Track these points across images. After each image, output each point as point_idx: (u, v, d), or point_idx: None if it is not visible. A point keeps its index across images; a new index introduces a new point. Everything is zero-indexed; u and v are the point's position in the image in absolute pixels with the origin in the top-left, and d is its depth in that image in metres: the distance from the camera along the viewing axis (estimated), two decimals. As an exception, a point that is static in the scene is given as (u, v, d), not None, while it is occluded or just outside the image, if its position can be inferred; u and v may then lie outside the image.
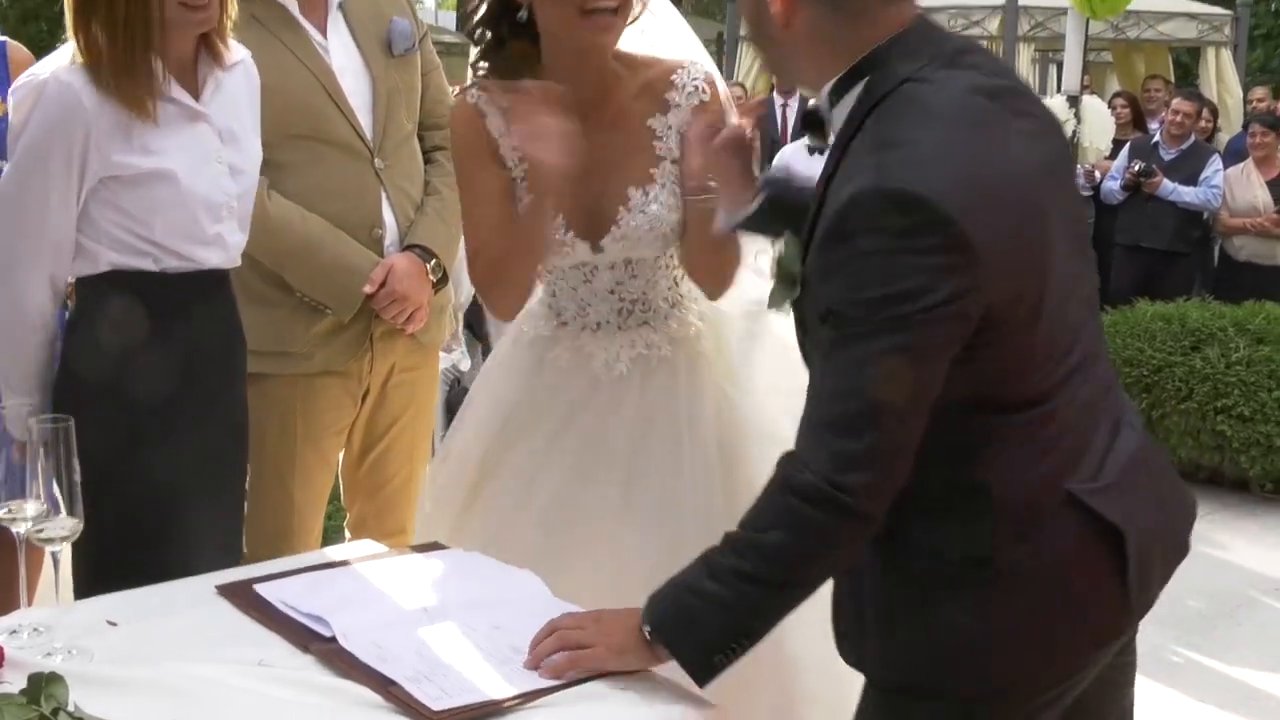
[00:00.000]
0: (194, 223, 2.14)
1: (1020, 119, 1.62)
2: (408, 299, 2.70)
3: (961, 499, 1.60)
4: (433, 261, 2.75)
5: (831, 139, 1.68)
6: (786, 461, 1.56)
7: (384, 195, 2.74)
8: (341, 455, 2.92)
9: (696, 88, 2.25)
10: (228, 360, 2.31)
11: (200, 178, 2.14)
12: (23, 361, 2.16)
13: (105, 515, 1.92)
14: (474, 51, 2.28)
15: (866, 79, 1.60)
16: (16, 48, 3.17)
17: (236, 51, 2.23)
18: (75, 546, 1.93)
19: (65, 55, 2.08)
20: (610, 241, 2.24)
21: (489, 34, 2.21)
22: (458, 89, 2.39)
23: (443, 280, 2.82)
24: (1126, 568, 1.60)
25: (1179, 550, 1.76)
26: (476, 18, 2.21)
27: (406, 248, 2.76)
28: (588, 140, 2.14)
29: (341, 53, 2.74)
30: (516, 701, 1.55)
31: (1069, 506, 1.58)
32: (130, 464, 2.11)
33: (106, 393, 2.11)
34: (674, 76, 2.25)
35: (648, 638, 1.61)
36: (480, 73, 2.25)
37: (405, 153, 2.81)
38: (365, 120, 2.73)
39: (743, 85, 9.98)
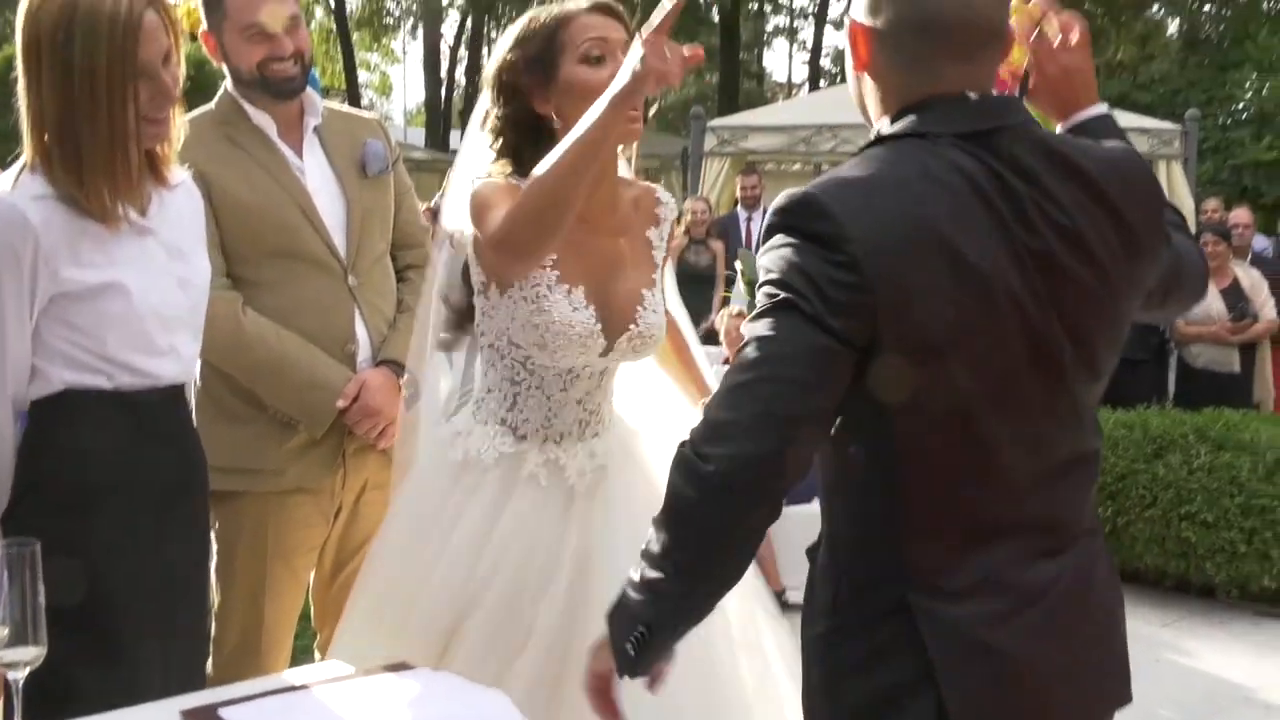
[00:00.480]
0: (146, 335, 2.11)
1: (1013, 208, 1.60)
2: (380, 414, 2.71)
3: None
4: (405, 377, 2.75)
5: None
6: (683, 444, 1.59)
7: (357, 311, 2.77)
8: (313, 574, 2.89)
9: (671, 208, 2.49)
10: (186, 477, 2.25)
11: (151, 290, 2.11)
12: None
13: (58, 635, 1.87)
14: (490, 148, 2.34)
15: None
16: None
17: (178, 173, 2.24)
18: None
19: (13, 172, 2.08)
20: (624, 341, 2.32)
21: (508, 137, 2.30)
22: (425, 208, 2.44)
23: (414, 396, 2.81)
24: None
25: (1107, 699, 1.75)
26: (499, 118, 2.30)
27: (379, 363, 2.78)
28: (606, 246, 2.33)
29: (317, 173, 2.79)
30: None
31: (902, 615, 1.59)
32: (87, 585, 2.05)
33: (62, 513, 2.05)
34: (658, 195, 2.46)
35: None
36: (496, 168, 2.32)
37: (378, 271, 2.85)
38: (339, 239, 2.76)
39: (706, 200, 10.08)
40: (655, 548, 1.57)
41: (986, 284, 1.56)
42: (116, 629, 2.08)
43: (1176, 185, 10.83)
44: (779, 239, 1.57)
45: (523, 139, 2.28)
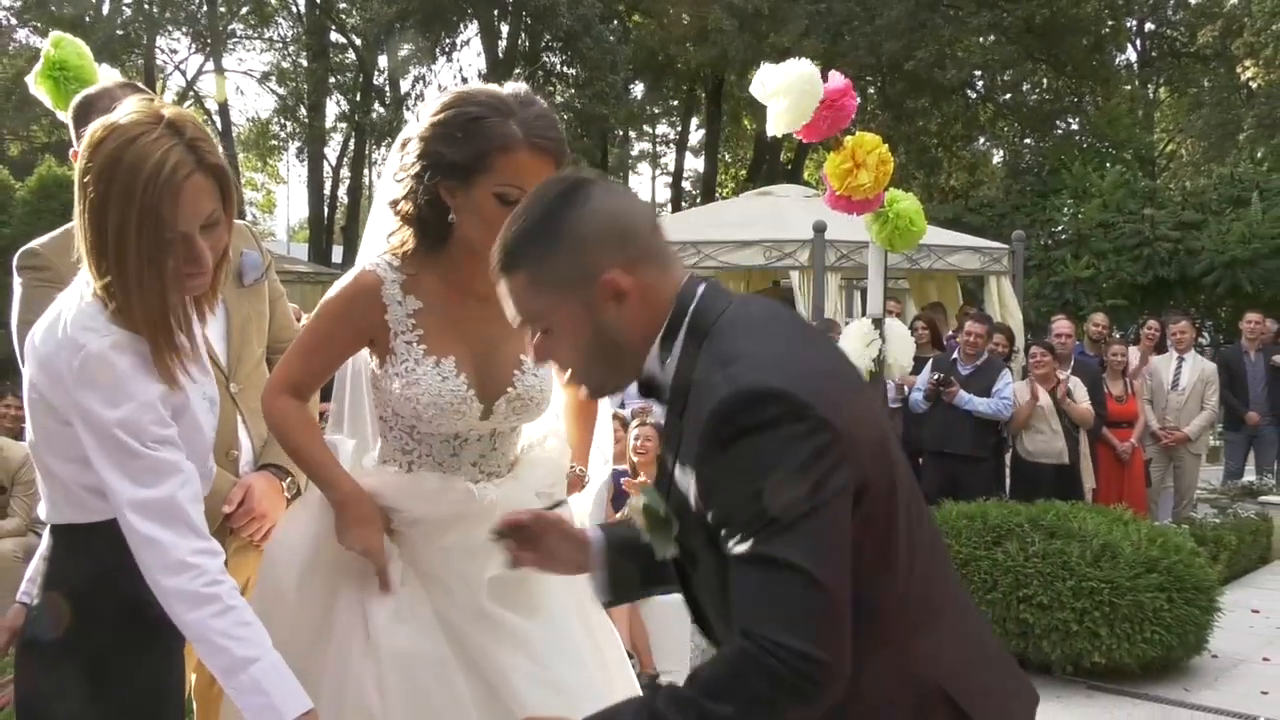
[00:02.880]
0: (206, 463, 2.05)
1: (812, 328, 1.72)
2: (265, 516, 2.63)
3: None
4: (288, 479, 2.71)
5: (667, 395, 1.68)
6: (747, 643, 1.47)
7: (239, 418, 2.70)
8: (194, 677, 2.73)
9: None
10: None
11: (201, 412, 2.04)
12: None
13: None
14: (389, 233, 2.34)
15: (687, 322, 1.64)
16: None
17: None
18: None
19: (94, 310, 1.91)
20: (503, 403, 2.31)
21: (412, 220, 2.27)
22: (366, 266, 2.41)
23: (296, 496, 2.75)
24: None
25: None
26: (407, 206, 2.26)
27: (261, 467, 2.71)
28: (487, 320, 2.25)
29: None
30: None
31: (928, 692, 1.59)
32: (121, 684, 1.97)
33: (101, 632, 1.95)
34: None
35: None
36: (392, 244, 2.32)
37: (257, 376, 2.77)
38: (220, 347, 2.69)
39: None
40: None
41: (864, 387, 1.69)
42: None
43: (1006, 298, 11.18)
44: (746, 443, 1.49)
45: (426, 219, 2.25)
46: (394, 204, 2.29)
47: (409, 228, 2.28)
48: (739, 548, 1.50)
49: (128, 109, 1.89)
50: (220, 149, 1.95)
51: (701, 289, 1.66)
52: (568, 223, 1.63)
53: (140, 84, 2.24)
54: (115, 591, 1.94)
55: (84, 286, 1.93)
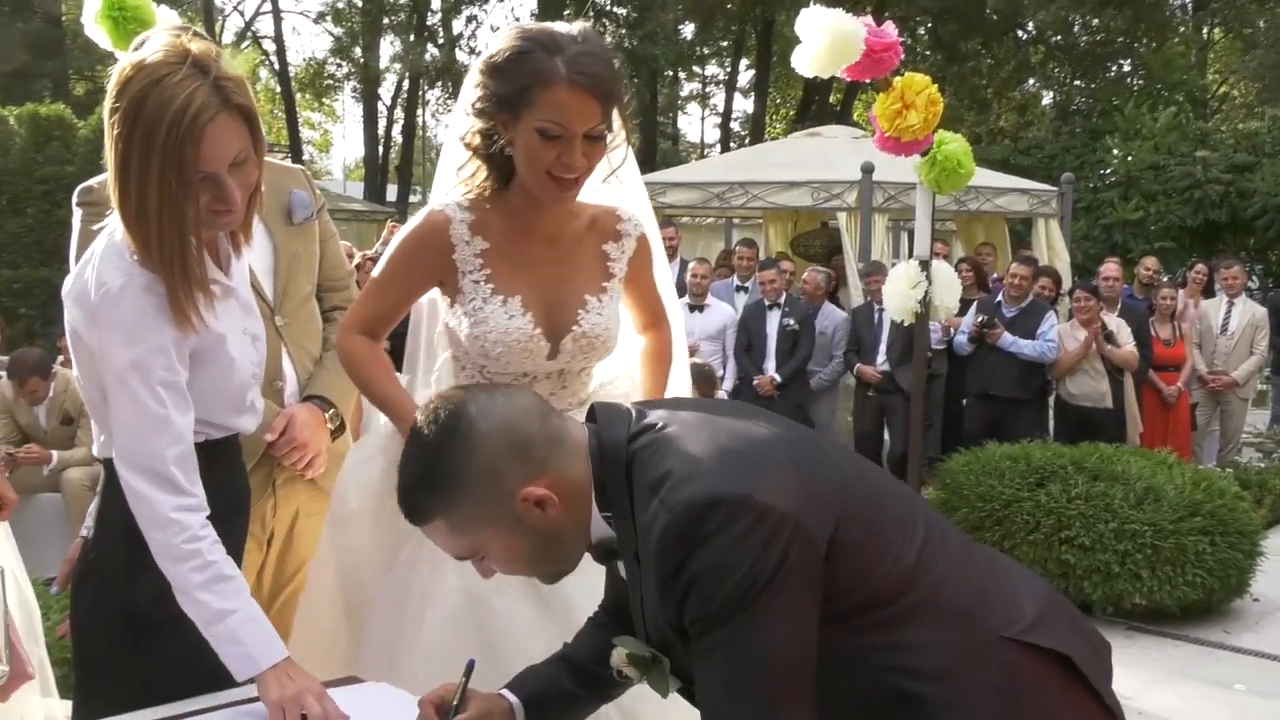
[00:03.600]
0: (242, 398, 2.05)
1: (731, 409, 1.68)
2: (307, 446, 2.66)
3: (905, 708, 1.53)
4: (331, 411, 2.74)
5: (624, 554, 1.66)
6: None
7: (284, 350, 2.72)
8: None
9: (637, 228, 2.45)
10: (243, 497, 2.21)
11: (237, 349, 2.03)
12: None
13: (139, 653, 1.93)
14: (459, 165, 2.35)
15: (606, 477, 1.61)
16: None
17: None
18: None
19: (120, 250, 1.90)
20: (569, 341, 2.32)
21: (477, 152, 2.28)
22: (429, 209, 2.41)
23: (340, 428, 2.79)
24: (1089, 683, 1.58)
25: (1109, 673, 1.71)
26: (472, 139, 2.27)
27: (306, 398, 2.74)
28: (552, 260, 2.33)
29: None
30: None
31: (1007, 647, 1.54)
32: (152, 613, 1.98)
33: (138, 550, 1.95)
34: (620, 214, 2.43)
35: None
36: (460, 184, 2.33)
37: (304, 312, 2.81)
38: (267, 282, 2.72)
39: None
40: None
41: (784, 446, 1.59)
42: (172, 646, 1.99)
43: (1054, 241, 11.07)
44: (697, 559, 1.47)
45: (488, 152, 2.26)
46: (461, 137, 2.31)
47: (475, 162, 2.30)
48: (703, 652, 1.50)
49: (155, 46, 1.85)
50: (249, 88, 1.92)
51: (602, 433, 1.63)
52: (460, 463, 1.58)
53: (198, 28, 2.19)
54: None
55: (116, 225, 1.91)
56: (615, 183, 2.41)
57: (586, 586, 2.20)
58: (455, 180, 2.36)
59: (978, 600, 1.57)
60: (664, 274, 2.61)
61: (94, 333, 1.88)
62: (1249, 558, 6.07)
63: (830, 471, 1.59)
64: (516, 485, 1.57)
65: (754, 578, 1.43)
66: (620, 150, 2.32)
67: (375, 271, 2.43)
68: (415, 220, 2.38)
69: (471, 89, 2.24)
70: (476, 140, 2.26)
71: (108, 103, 1.85)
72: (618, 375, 2.55)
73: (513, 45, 2.17)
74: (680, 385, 2.69)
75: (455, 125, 2.37)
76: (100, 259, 1.89)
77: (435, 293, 2.41)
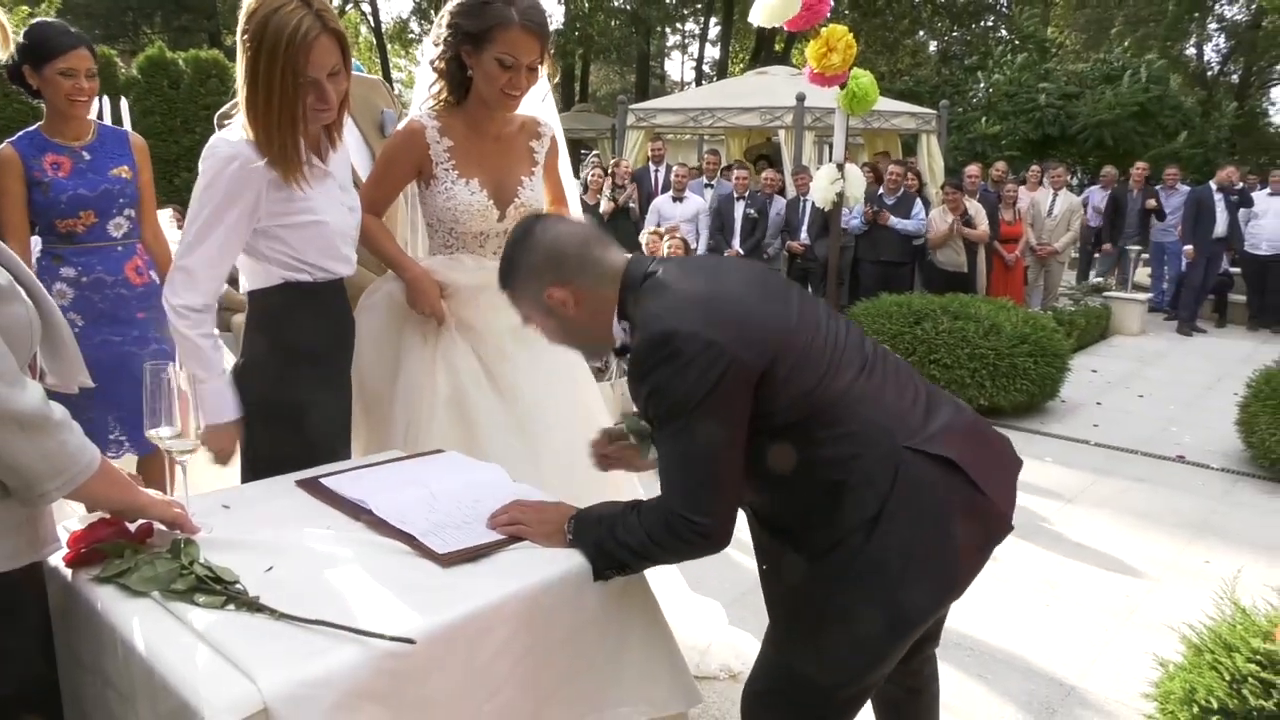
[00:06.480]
0: (335, 248, 2.02)
1: (727, 265, 1.61)
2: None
3: (829, 496, 1.48)
4: None
5: None
6: (662, 505, 1.47)
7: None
8: None
9: (550, 130, 2.46)
10: (348, 336, 2.17)
11: (335, 216, 2.01)
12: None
13: (275, 437, 1.94)
14: (430, 83, 2.32)
15: (625, 298, 1.58)
16: (136, 137, 3.06)
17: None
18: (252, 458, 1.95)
19: (237, 129, 1.90)
20: (512, 209, 2.33)
21: (443, 74, 2.27)
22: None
23: None
24: (974, 481, 1.49)
25: (1013, 466, 1.64)
26: (439, 63, 2.26)
27: None
28: (498, 153, 2.33)
29: (348, 134, 2.65)
30: (491, 546, 1.54)
31: (905, 453, 1.47)
32: (291, 405, 2.00)
33: (279, 360, 1.98)
34: (539, 120, 2.44)
35: (568, 535, 1.56)
36: (431, 99, 2.31)
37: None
38: (365, 174, 2.61)
39: (627, 158, 9.92)
40: (635, 543, 1.49)
41: (746, 293, 1.51)
42: (307, 434, 2.01)
43: (933, 151, 10.86)
44: (659, 373, 1.42)
45: (452, 74, 2.26)
46: (432, 62, 2.28)
47: (441, 81, 2.28)
48: (659, 437, 1.48)
49: None
50: (340, 18, 1.89)
51: (629, 267, 1.59)
52: (518, 259, 1.61)
53: None
54: (277, 338, 1.99)
55: (238, 121, 1.91)
56: (542, 103, 2.46)
57: (531, 384, 2.27)
58: (426, 94, 2.34)
59: (892, 419, 1.51)
60: (566, 168, 2.57)
61: (202, 169, 1.88)
62: (1060, 372, 6.16)
63: (780, 315, 1.50)
64: (545, 285, 1.58)
65: (691, 395, 1.40)
66: (544, 80, 2.33)
67: (374, 167, 2.38)
68: (399, 128, 2.36)
69: (443, 27, 2.21)
70: (443, 65, 2.25)
71: (240, 28, 1.83)
72: None
73: None
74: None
75: (427, 53, 2.32)
76: (223, 133, 1.91)
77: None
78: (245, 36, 1.81)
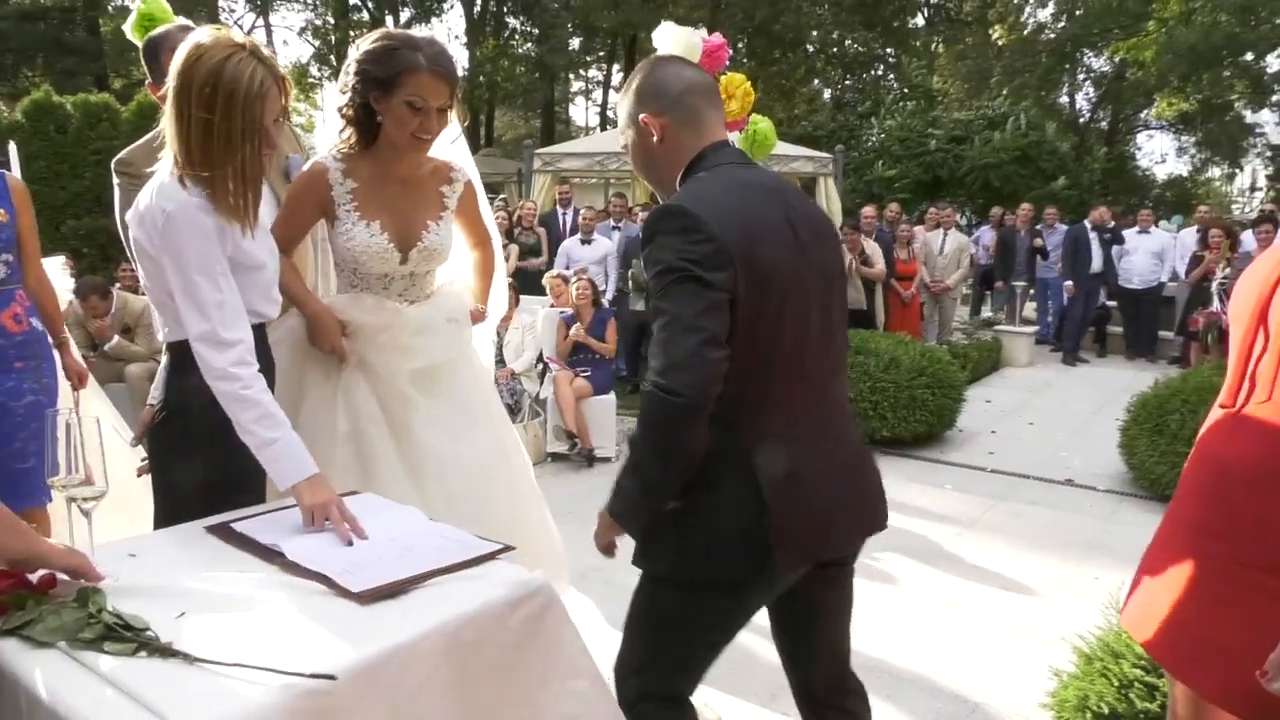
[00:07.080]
0: (271, 292, 2.00)
1: (774, 197, 1.67)
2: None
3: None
4: None
5: None
6: (650, 378, 1.54)
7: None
8: None
9: (464, 176, 2.46)
10: (272, 382, 2.11)
11: (271, 260, 2.00)
12: None
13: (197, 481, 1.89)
14: (340, 129, 2.31)
15: (691, 167, 1.72)
16: (15, 179, 2.97)
17: None
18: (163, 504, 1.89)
19: (173, 185, 1.84)
20: (415, 253, 2.33)
21: (352, 120, 2.26)
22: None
23: None
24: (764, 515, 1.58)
25: (867, 523, 1.78)
26: (348, 110, 2.25)
27: None
28: (403, 196, 2.33)
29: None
30: (410, 581, 1.53)
31: (746, 455, 1.59)
32: (223, 453, 1.93)
33: (208, 405, 1.89)
34: (453, 166, 2.45)
35: (610, 515, 1.66)
36: (340, 144, 2.31)
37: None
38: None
39: (534, 202, 10.00)
40: (635, 458, 1.57)
41: (787, 245, 1.62)
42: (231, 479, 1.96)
43: (830, 192, 11.22)
44: (660, 240, 1.56)
45: (360, 120, 2.26)
46: (340, 109, 2.29)
47: (350, 127, 2.28)
48: (651, 291, 1.60)
49: (205, 35, 1.81)
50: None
51: (710, 152, 1.72)
52: (634, 84, 1.78)
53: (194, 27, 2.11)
54: (205, 390, 1.91)
55: (164, 171, 1.86)
56: (452, 145, 2.48)
57: (427, 429, 2.29)
58: (336, 140, 2.34)
59: (749, 414, 1.61)
60: (486, 210, 2.60)
61: (163, 244, 1.82)
62: (956, 403, 6.38)
63: (782, 262, 1.59)
64: (641, 111, 1.75)
65: (679, 262, 1.52)
66: (455, 124, 2.36)
67: (282, 207, 2.39)
68: (304, 169, 2.36)
69: (351, 75, 2.22)
70: (351, 112, 2.25)
71: (177, 79, 1.79)
72: (455, 279, 2.55)
73: (385, 43, 2.18)
74: (499, 287, 2.69)
75: (335, 100, 2.33)
76: (158, 193, 1.84)
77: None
78: (199, 86, 1.76)
